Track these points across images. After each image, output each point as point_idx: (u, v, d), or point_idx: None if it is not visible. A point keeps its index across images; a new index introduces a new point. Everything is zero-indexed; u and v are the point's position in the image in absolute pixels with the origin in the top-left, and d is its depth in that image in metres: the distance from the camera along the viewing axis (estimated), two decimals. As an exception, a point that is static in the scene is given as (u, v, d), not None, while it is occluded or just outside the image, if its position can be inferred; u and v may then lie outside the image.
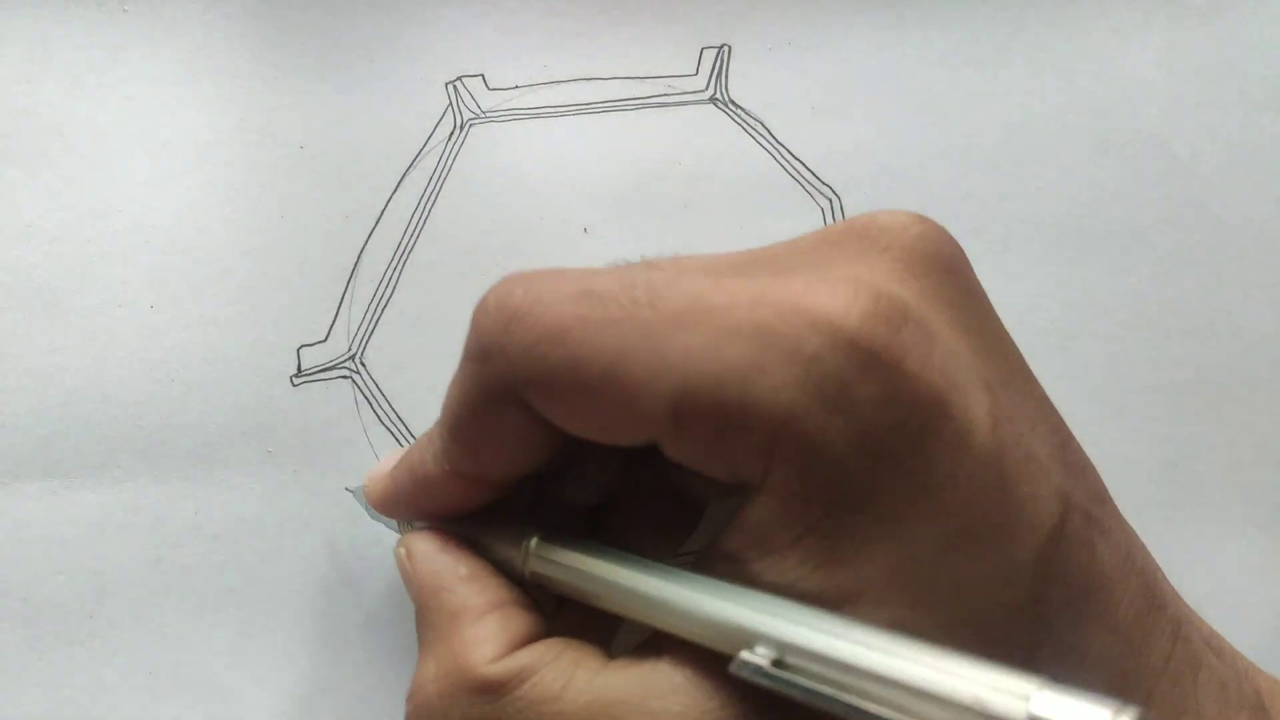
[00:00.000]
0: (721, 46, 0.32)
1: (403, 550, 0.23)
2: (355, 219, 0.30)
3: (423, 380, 0.30)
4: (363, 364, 0.30)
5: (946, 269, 0.19)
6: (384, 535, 0.29)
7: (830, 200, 0.31)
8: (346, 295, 0.30)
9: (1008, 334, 0.20)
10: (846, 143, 0.32)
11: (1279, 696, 0.22)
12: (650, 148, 0.31)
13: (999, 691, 0.14)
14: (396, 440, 0.29)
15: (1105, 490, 0.21)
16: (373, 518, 0.26)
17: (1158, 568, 0.21)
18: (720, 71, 0.32)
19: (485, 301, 0.20)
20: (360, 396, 0.30)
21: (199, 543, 0.29)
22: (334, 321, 0.30)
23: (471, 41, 0.31)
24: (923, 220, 0.20)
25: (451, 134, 0.31)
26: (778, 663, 0.17)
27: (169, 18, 0.30)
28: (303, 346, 0.30)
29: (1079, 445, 0.21)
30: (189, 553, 0.29)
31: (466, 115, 0.31)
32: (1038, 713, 0.13)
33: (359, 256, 0.30)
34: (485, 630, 0.20)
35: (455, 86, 0.31)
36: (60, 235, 0.29)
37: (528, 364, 0.19)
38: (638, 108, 0.31)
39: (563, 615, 0.23)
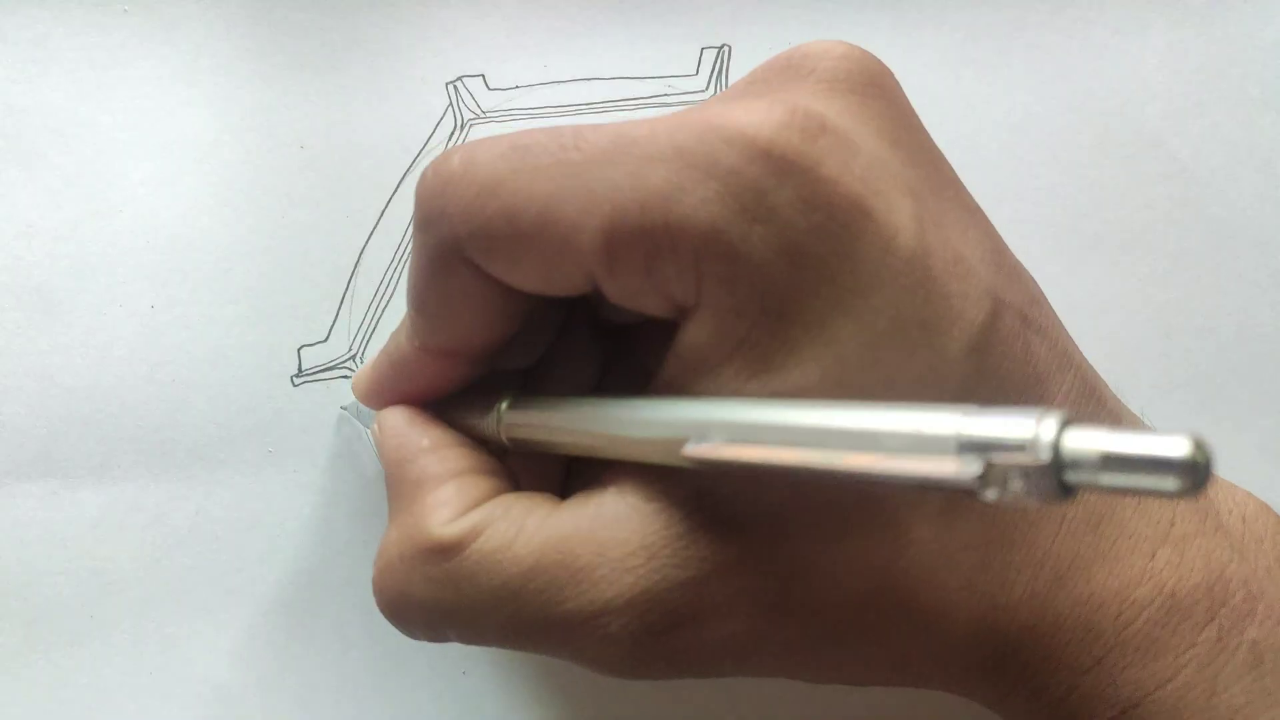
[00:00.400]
0: (721, 47, 0.32)
1: (375, 426, 0.24)
2: (355, 219, 0.30)
3: (423, 380, 0.30)
4: (363, 364, 0.30)
5: (871, 85, 0.19)
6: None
7: (830, 200, 0.31)
8: (347, 295, 0.30)
9: (938, 149, 0.21)
10: (847, 143, 0.32)
11: (1221, 486, 0.23)
12: (650, 148, 0.31)
13: (934, 422, 0.14)
14: (397, 440, 0.29)
15: (1041, 294, 0.21)
16: (366, 425, 0.26)
17: (1096, 373, 0.22)
18: (720, 71, 0.32)
19: (424, 174, 0.20)
20: (360, 396, 0.30)
21: (199, 543, 0.29)
22: (334, 321, 0.30)
23: (472, 41, 0.31)
24: (849, 45, 0.20)
25: (452, 134, 0.31)
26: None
27: (169, 18, 0.30)
28: (303, 346, 0.30)
29: (1013, 254, 0.21)
30: (189, 553, 0.29)
31: (467, 115, 0.31)
32: (968, 428, 0.14)
33: (359, 256, 0.30)
34: (443, 496, 0.21)
35: (456, 86, 0.31)
36: (60, 235, 0.29)
37: (466, 220, 0.19)
38: (638, 107, 0.32)
39: (536, 481, 0.23)
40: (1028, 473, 0.13)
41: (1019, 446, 0.13)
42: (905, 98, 0.20)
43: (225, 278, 0.30)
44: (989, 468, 0.14)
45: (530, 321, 0.22)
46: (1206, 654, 0.20)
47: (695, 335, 0.18)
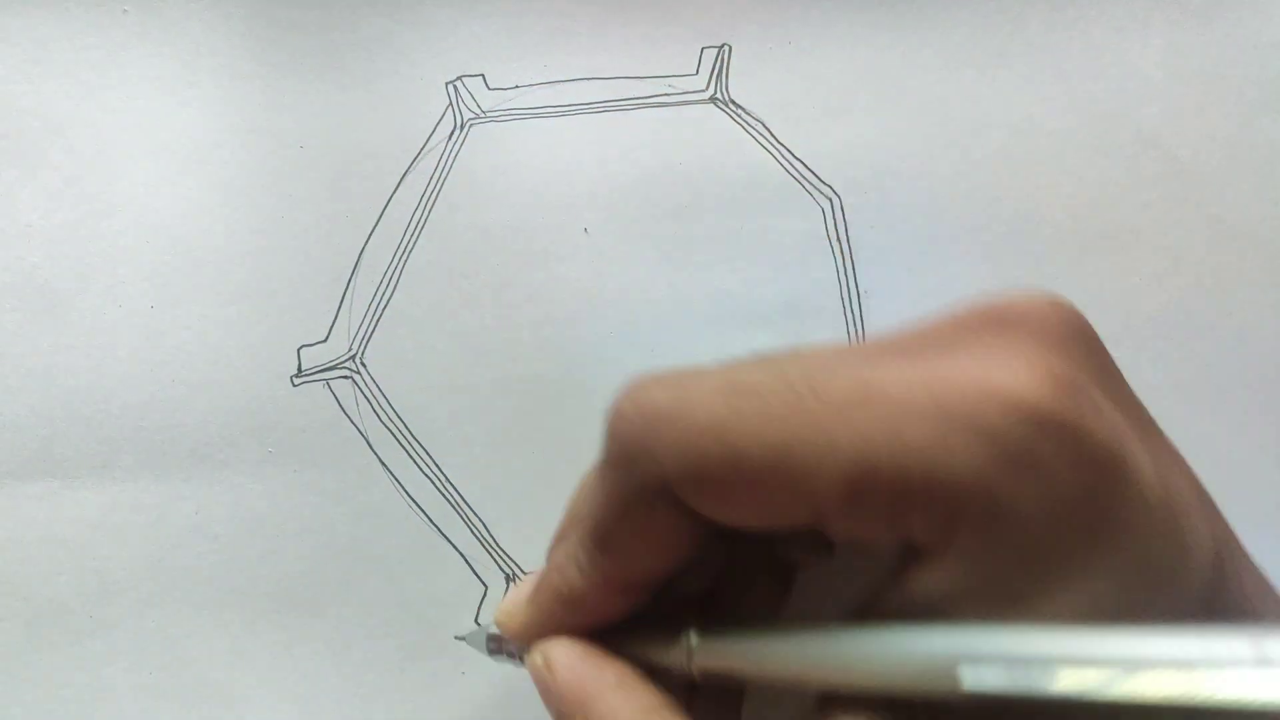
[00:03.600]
0: (722, 46, 0.32)
1: (540, 659, 0.22)
2: (355, 219, 0.30)
3: (423, 380, 0.30)
4: (363, 364, 0.30)
5: (1088, 342, 0.21)
6: (382, 534, 0.29)
7: (830, 200, 0.31)
8: (347, 295, 0.30)
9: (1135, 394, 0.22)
10: (847, 143, 0.32)
11: None
12: (650, 148, 0.31)
13: (1226, 644, 0.14)
14: (396, 440, 0.29)
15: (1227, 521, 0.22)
16: (492, 655, 0.24)
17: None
18: (720, 71, 0.32)
19: (621, 406, 0.20)
20: (361, 396, 0.30)
21: (200, 543, 0.29)
22: (334, 322, 0.30)
23: (471, 41, 0.31)
24: (1054, 298, 0.21)
25: (452, 134, 0.31)
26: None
27: (169, 18, 0.30)
28: (303, 346, 0.30)
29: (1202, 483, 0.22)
30: (190, 553, 0.29)
31: (467, 115, 0.31)
32: (1269, 650, 0.14)
33: (359, 257, 0.30)
34: None
35: (455, 86, 0.31)
36: (60, 235, 0.29)
37: (681, 462, 0.19)
38: (638, 107, 0.31)
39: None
40: None
41: None
42: (1104, 345, 0.21)
43: (224, 278, 0.30)
44: None
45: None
46: None
47: (938, 576, 0.19)
